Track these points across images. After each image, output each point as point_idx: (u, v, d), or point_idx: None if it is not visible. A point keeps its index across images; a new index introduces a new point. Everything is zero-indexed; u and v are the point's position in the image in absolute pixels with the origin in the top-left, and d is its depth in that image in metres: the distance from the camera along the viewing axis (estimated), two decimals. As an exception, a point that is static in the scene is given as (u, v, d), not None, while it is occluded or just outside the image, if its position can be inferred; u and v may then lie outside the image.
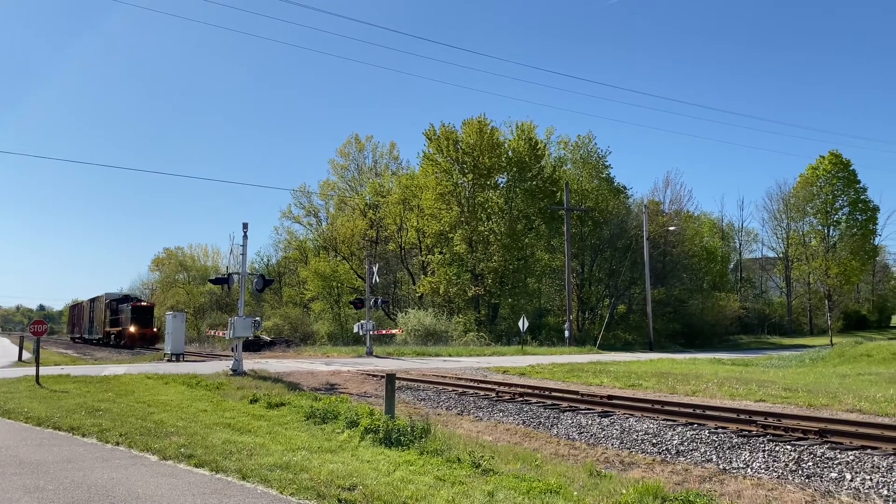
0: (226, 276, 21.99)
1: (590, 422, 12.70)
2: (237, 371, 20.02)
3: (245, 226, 21.70)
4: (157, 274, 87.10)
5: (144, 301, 55.18)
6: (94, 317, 56.69)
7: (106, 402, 13.30)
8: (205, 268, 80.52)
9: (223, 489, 6.94)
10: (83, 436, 9.99)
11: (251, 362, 24.48)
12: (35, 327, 18.73)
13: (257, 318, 22.67)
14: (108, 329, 51.47)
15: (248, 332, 21.53)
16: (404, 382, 18.71)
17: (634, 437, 11.48)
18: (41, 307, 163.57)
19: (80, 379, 17.87)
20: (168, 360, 26.73)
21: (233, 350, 21.86)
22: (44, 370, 18.70)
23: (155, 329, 48.76)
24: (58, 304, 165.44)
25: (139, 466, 7.97)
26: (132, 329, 45.94)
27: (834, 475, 8.74)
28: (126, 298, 53.23)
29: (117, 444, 9.32)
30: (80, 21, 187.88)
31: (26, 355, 29.56)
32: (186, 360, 26.91)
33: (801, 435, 10.47)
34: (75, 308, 72.47)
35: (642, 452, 10.67)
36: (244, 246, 21.89)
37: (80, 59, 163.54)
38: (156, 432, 9.94)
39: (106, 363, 26.75)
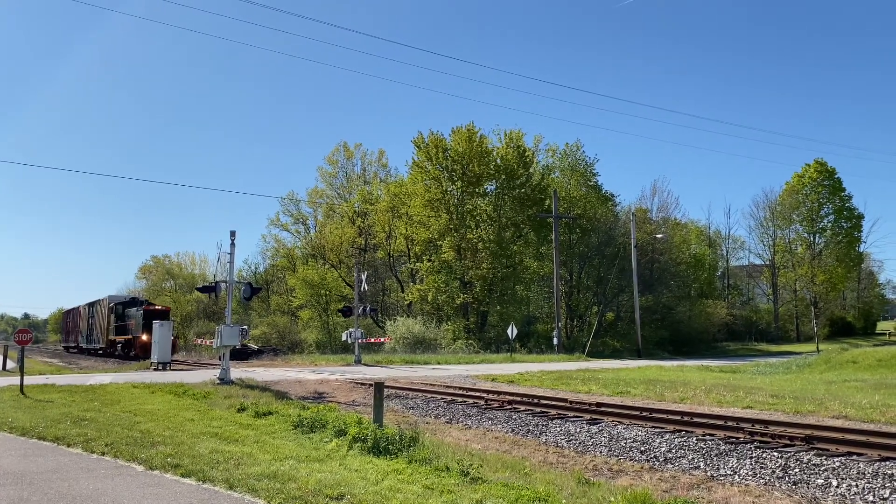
0: (213, 284, 21.85)
1: (578, 429, 12.71)
2: (224, 380, 19.90)
3: (233, 234, 21.62)
4: (144, 282, 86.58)
5: (159, 305, 46.75)
6: (95, 323, 49.93)
7: (91, 412, 13.17)
8: (192, 276, 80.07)
9: (210, 499, 6.89)
10: (68, 446, 9.88)
11: (239, 371, 24.35)
12: (20, 336, 18.51)
13: (245, 327, 22.54)
14: (112, 337, 44.79)
15: (235, 341, 21.40)
16: (393, 391, 18.66)
17: (623, 444, 11.50)
18: (26, 315, 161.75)
19: (66, 388, 17.69)
20: (154, 369, 26.54)
21: (220, 359, 21.73)
22: (28, 379, 18.48)
23: (173, 336, 44.76)
24: (43, 312, 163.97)
25: (125, 477, 7.90)
26: (144, 337, 37.85)
27: (820, 481, 8.79)
28: (134, 301, 46.03)
29: (103, 454, 9.23)
30: (74, 31, 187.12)
31: (10, 364, 29.23)
32: (173, 369, 26.73)
33: (788, 441, 10.53)
34: (70, 314, 64.99)
35: (631, 460, 10.69)
36: (231, 254, 21.77)
37: (72, 68, 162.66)
38: (142, 442, 9.86)
39: (91, 372, 26.51)
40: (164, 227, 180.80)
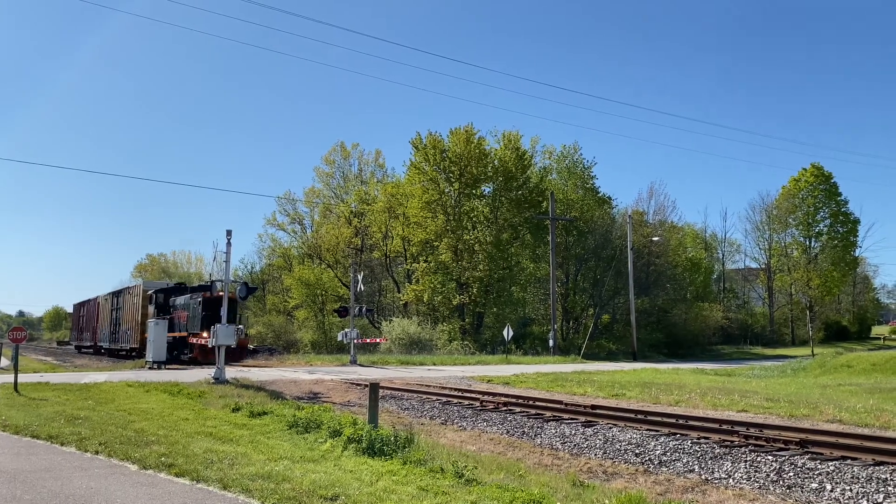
0: (209, 283, 21.84)
1: (573, 431, 12.72)
2: (219, 379, 19.87)
3: (229, 233, 21.62)
4: (140, 280, 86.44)
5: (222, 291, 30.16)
6: (122, 317, 40.76)
7: (86, 410, 13.14)
8: (188, 275, 79.94)
9: (204, 499, 6.87)
10: (62, 444, 9.86)
11: (234, 370, 24.31)
12: (14, 334, 18.49)
13: (241, 326, 22.52)
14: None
15: (231, 340, 21.41)
16: (388, 391, 18.64)
17: (618, 447, 11.51)
18: (21, 313, 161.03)
19: (60, 387, 17.64)
20: (149, 368, 26.49)
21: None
22: (22, 377, 18.44)
23: (243, 336, 32.02)
24: (38, 310, 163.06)
25: (119, 476, 7.88)
26: (206, 335, 26.89)
27: (814, 486, 8.80)
28: (182, 288, 36.77)
29: (97, 452, 9.20)
30: (75, 30, 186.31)
31: (5, 362, 29.16)
32: (168, 368, 26.67)
33: (783, 445, 10.54)
34: (83, 307, 54.44)
35: (625, 462, 10.70)
36: (228, 253, 21.80)
37: (74, 67, 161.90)
38: (136, 441, 9.83)
39: (86, 370, 26.45)
40: (161, 225, 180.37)
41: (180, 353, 32.13)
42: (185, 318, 32.57)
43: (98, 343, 47.16)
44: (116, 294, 43.50)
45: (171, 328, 32.95)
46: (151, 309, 35.92)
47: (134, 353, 36.38)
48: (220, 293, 27.69)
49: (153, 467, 8.23)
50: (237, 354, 29.90)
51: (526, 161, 49.70)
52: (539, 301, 52.29)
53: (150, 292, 37.12)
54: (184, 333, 32.12)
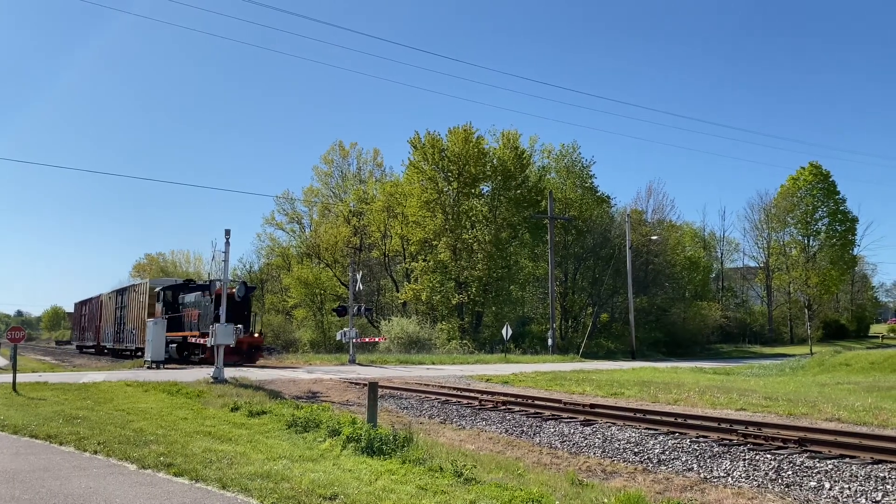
0: (208, 282, 21.80)
1: (572, 430, 12.72)
2: (218, 379, 19.86)
3: (227, 232, 21.61)
4: (138, 280, 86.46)
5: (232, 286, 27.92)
6: (126, 315, 38.94)
7: (84, 410, 13.13)
8: (187, 274, 79.81)
9: (203, 498, 6.86)
10: (61, 444, 9.85)
11: (232, 370, 24.29)
12: (12, 334, 18.49)
13: (239, 325, 22.47)
14: None
15: (229, 340, 21.41)
16: (387, 391, 18.65)
17: (616, 445, 11.52)
18: (19, 313, 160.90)
19: (59, 386, 17.63)
20: (148, 368, 26.48)
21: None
22: (21, 377, 18.43)
23: (257, 333, 31.87)
24: (36, 309, 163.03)
25: (117, 475, 7.87)
26: None
27: (813, 484, 8.81)
28: (190, 285, 35.23)
29: (95, 452, 9.20)
30: (76, 31, 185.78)
31: (3, 362, 29.13)
32: (167, 368, 26.67)
33: (781, 444, 10.55)
34: (84, 306, 52.87)
35: (624, 461, 10.71)
36: (226, 252, 21.80)
37: (74, 67, 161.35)
38: (135, 440, 9.82)
39: (85, 370, 26.44)
40: (161, 225, 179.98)
41: (190, 353, 31.00)
42: (197, 316, 30.84)
43: (101, 343, 45.59)
44: (121, 292, 41.66)
45: (179, 327, 32.03)
46: (159, 307, 34.37)
47: (139, 354, 33.50)
48: (231, 290, 25.97)
49: (152, 467, 8.23)
50: (252, 355, 29.75)
51: (525, 160, 49.72)
52: (538, 300, 52.31)
53: (157, 289, 35.47)
54: (194, 332, 30.51)
